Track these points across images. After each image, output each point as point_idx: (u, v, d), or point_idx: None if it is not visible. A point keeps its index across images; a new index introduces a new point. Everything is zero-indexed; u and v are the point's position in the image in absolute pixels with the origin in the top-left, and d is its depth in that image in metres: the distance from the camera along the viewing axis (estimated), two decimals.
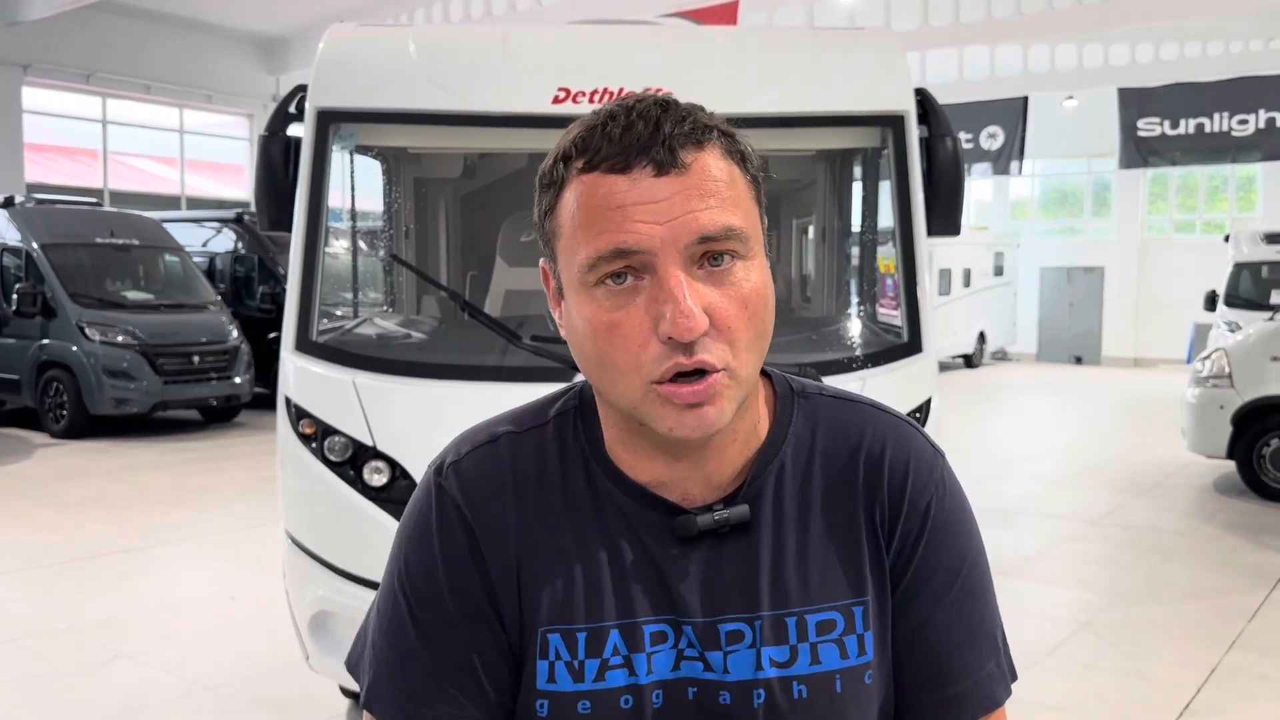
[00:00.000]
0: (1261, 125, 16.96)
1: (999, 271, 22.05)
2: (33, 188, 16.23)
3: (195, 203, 19.25)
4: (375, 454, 3.46)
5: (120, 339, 11.36)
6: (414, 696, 1.02)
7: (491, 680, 1.02)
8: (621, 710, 1.00)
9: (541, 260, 1.02)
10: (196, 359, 11.71)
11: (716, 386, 0.91)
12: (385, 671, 1.04)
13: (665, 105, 0.94)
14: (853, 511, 1.04)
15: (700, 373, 0.91)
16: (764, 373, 1.09)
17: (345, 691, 4.14)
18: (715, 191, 0.92)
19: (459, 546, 1.03)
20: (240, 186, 20.35)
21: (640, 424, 0.97)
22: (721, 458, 1.01)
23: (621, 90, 3.69)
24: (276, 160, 3.84)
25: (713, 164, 0.93)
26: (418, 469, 3.44)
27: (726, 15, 11.81)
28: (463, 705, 1.02)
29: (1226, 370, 8.55)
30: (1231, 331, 11.58)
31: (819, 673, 1.00)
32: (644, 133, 0.91)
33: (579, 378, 1.04)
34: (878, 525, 1.04)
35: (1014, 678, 1.09)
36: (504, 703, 1.03)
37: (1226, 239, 14.91)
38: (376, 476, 3.46)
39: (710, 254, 0.91)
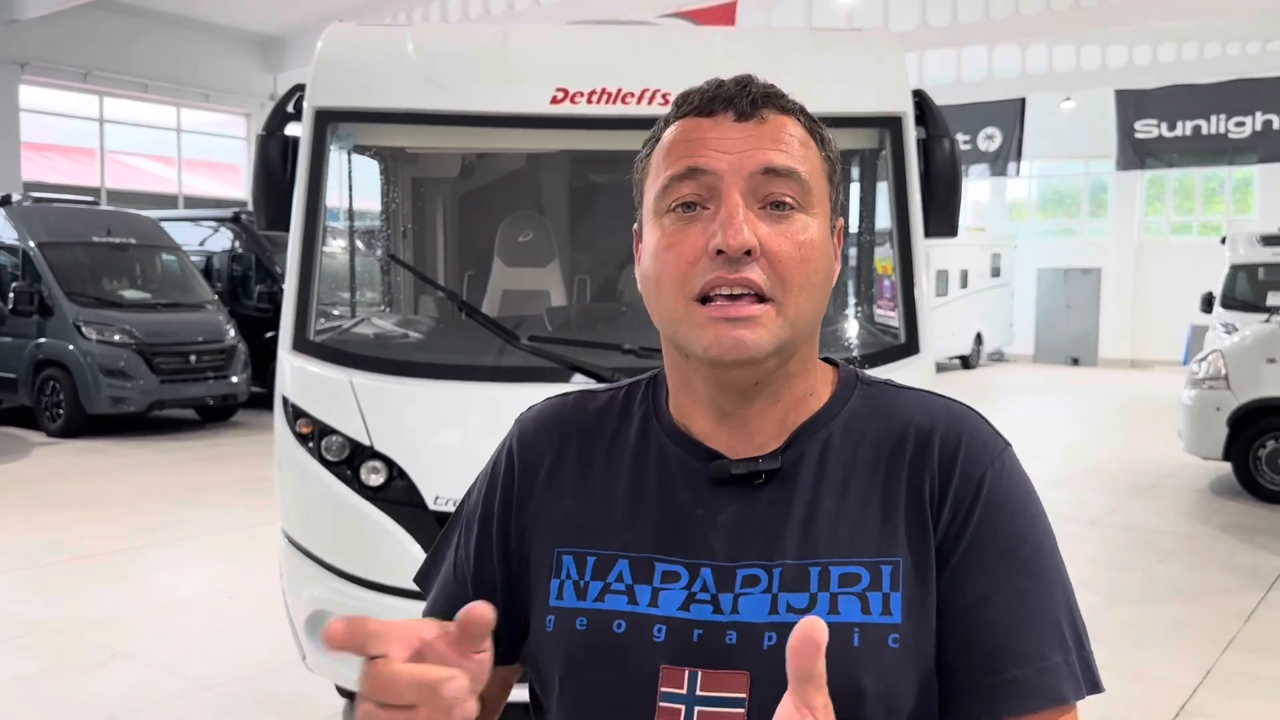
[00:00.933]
0: (1258, 127, 16.98)
1: (996, 273, 22.07)
2: (30, 186, 16.20)
3: (193, 202, 19.22)
4: (372, 454, 3.47)
5: (117, 338, 11.36)
6: (432, 580, 1.18)
7: (478, 585, 1.12)
8: (614, 634, 1.02)
9: (635, 224, 1.09)
10: (193, 358, 11.70)
11: (758, 313, 0.96)
12: (428, 556, 1.22)
13: (759, 81, 1.04)
14: (897, 480, 1.03)
15: (748, 295, 0.96)
16: (833, 363, 1.13)
17: (342, 691, 4.14)
18: (788, 143, 1.00)
19: (499, 472, 1.15)
20: (238, 185, 20.33)
21: (688, 362, 1.02)
22: (765, 416, 1.04)
23: (619, 91, 3.70)
24: (274, 160, 3.84)
25: (791, 126, 1.01)
26: (415, 469, 3.44)
27: (724, 16, 11.81)
28: (453, 599, 1.11)
29: (1223, 372, 8.56)
30: (1228, 333, 11.59)
31: (836, 622, 0.96)
32: (732, 89, 1.01)
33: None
34: (925, 497, 1.02)
35: (1092, 688, 0.99)
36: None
37: (1223, 241, 14.92)
38: (374, 476, 3.46)
39: (773, 199, 0.98)
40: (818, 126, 1.05)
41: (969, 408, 1.09)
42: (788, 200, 0.98)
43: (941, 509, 1.01)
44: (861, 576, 0.99)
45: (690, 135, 1.00)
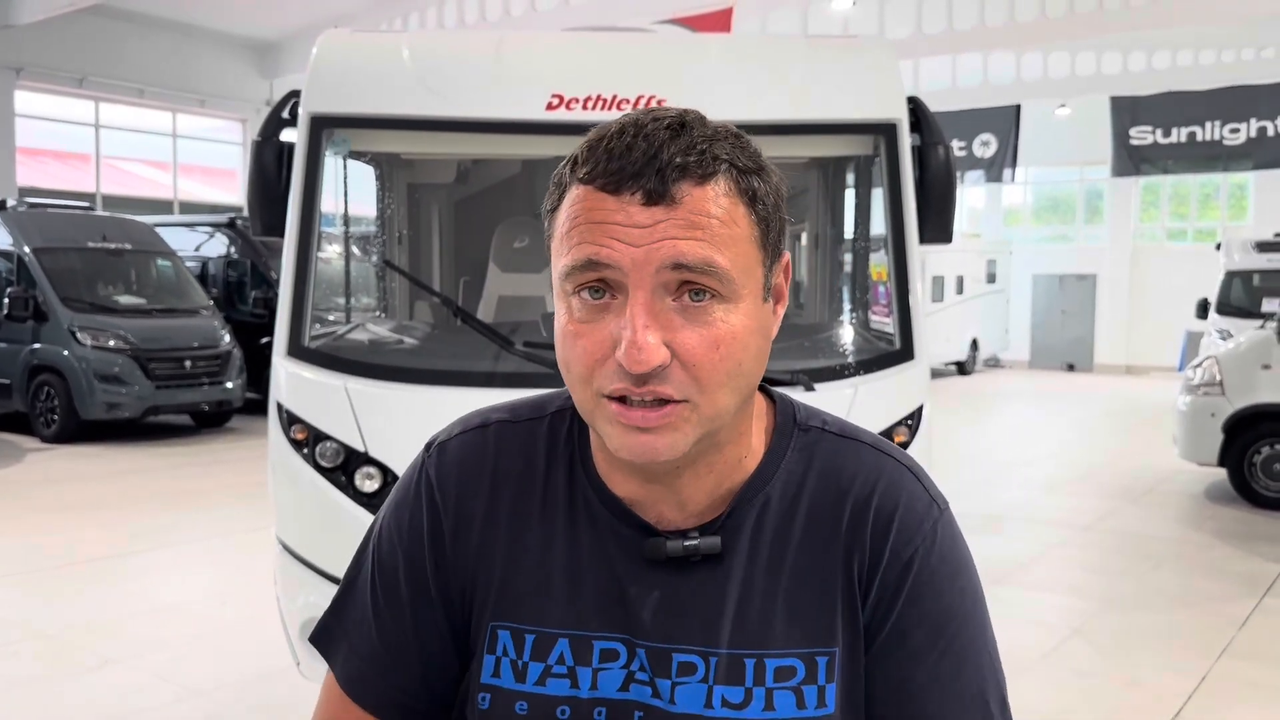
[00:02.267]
0: (1253, 134, 17.06)
1: (992, 279, 22.10)
2: (25, 191, 16.17)
3: (188, 207, 19.18)
4: (367, 460, 3.46)
5: (112, 343, 11.33)
6: (352, 647, 1.08)
7: (423, 656, 1.06)
8: (557, 719, 0.99)
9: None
10: (188, 364, 11.69)
11: (670, 418, 0.89)
12: (334, 610, 1.11)
13: (679, 128, 0.90)
14: (832, 557, 1.00)
15: (659, 400, 0.89)
16: (770, 396, 1.07)
17: None
18: (704, 225, 0.88)
19: (421, 525, 1.07)
20: (233, 191, 20.30)
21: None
22: (695, 486, 0.99)
23: (615, 97, 3.70)
24: (269, 165, 3.84)
25: (711, 200, 0.89)
26: None
27: (720, 22, 11.83)
28: (388, 671, 1.06)
29: (1218, 378, 8.58)
30: (1223, 339, 11.61)
31: (771, 719, 0.97)
32: (641, 158, 0.88)
33: None
34: (855, 575, 0.99)
35: None
36: (431, 682, 1.06)
37: (1218, 247, 14.96)
38: (368, 482, 3.45)
39: (691, 286, 0.88)
40: (749, 181, 0.91)
41: (907, 467, 1.05)
42: (704, 290, 0.88)
43: (870, 590, 1.00)
44: (797, 670, 0.98)
45: (592, 216, 0.89)
